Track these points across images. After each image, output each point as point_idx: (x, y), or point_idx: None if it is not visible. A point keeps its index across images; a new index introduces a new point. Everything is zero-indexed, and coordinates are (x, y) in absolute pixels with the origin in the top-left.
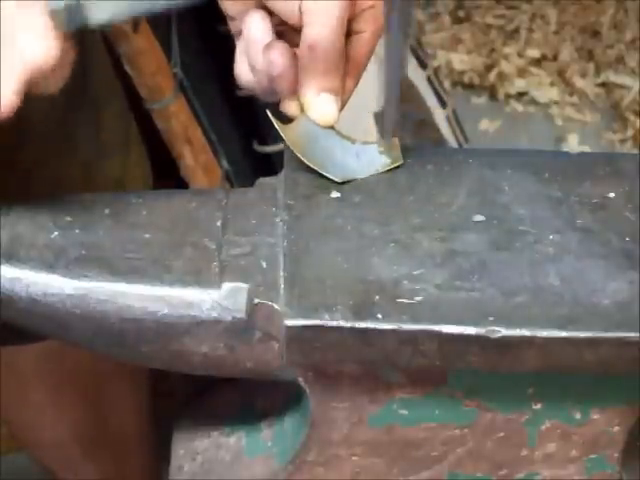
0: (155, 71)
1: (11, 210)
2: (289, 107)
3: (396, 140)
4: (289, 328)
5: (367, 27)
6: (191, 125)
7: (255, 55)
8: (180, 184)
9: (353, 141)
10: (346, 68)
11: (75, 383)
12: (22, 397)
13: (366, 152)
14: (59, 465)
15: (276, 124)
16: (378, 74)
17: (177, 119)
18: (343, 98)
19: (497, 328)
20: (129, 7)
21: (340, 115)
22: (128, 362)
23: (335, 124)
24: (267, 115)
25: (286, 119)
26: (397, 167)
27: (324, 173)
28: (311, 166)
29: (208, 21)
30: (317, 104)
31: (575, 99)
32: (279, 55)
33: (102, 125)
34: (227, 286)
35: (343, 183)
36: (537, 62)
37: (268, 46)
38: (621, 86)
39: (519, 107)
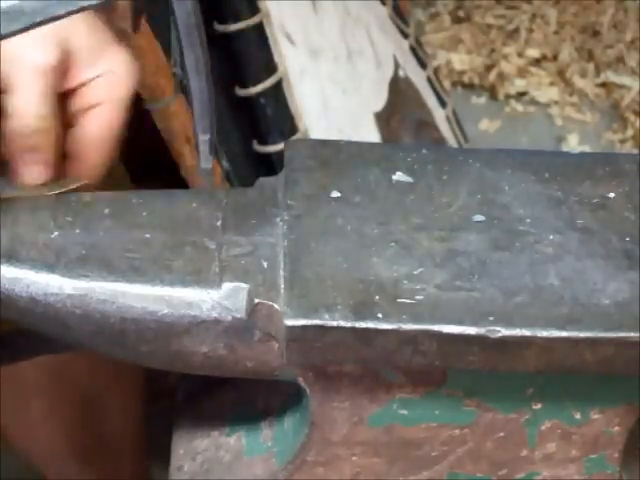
0: (155, 71)
1: (11, 210)
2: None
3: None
4: (289, 328)
5: (101, 99)
6: (191, 125)
7: None
8: (180, 184)
9: None
10: (84, 150)
11: (73, 396)
12: (20, 410)
13: None
14: (56, 476)
15: None
16: (377, 74)
17: (177, 119)
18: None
19: (497, 328)
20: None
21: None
22: (128, 362)
23: None
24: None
25: None
26: None
27: None
28: None
29: (208, 21)
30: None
31: (575, 99)
32: None
33: None
34: (227, 286)
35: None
36: (537, 62)
37: None
38: (621, 86)
39: (519, 107)
